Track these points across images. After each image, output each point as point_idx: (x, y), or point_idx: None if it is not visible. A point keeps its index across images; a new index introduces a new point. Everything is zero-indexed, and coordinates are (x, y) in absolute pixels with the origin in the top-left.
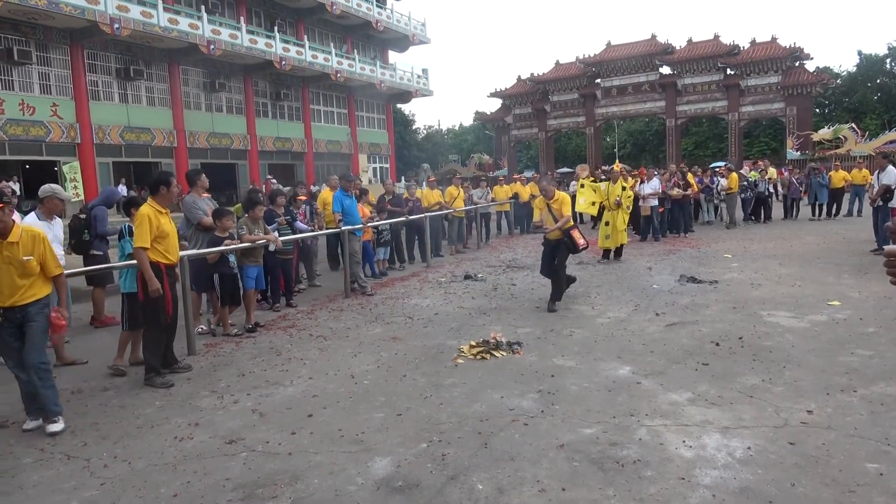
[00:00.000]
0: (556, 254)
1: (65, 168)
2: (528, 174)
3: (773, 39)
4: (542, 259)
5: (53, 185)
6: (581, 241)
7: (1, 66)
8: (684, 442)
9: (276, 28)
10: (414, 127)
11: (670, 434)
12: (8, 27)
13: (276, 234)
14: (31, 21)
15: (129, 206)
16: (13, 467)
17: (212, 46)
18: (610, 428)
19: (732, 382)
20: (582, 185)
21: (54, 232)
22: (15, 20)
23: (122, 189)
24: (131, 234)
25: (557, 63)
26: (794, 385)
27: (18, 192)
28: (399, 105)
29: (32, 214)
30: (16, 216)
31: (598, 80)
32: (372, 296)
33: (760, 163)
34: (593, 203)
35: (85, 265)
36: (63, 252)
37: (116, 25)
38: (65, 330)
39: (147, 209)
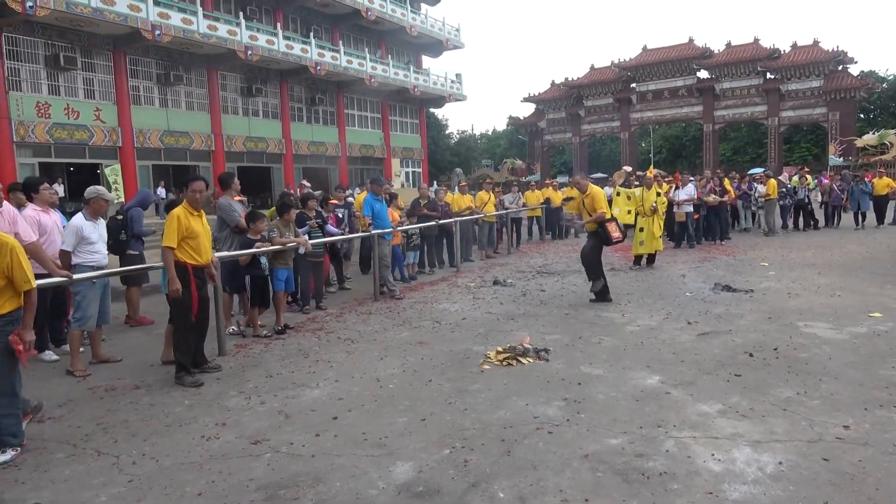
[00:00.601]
0: (592, 241)
1: (106, 171)
2: (560, 179)
3: (816, 43)
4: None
5: (98, 187)
6: (616, 234)
7: (48, 71)
8: (713, 455)
9: (311, 34)
10: (447, 131)
11: (699, 446)
12: (55, 34)
13: (307, 237)
14: (76, 28)
15: (170, 209)
16: (46, 461)
17: (249, 52)
18: (636, 438)
19: (765, 395)
20: (618, 194)
21: (99, 231)
22: (62, 27)
23: (161, 192)
24: None
25: (592, 67)
26: (830, 399)
27: (62, 194)
28: (432, 109)
29: (80, 215)
30: (57, 215)
31: (634, 85)
32: (400, 300)
33: (807, 169)
34: (629, 211)
35: (121, 265)
36: (105, 251)
37: (158, 32)
38: (23, 356)
39: (178, 210)
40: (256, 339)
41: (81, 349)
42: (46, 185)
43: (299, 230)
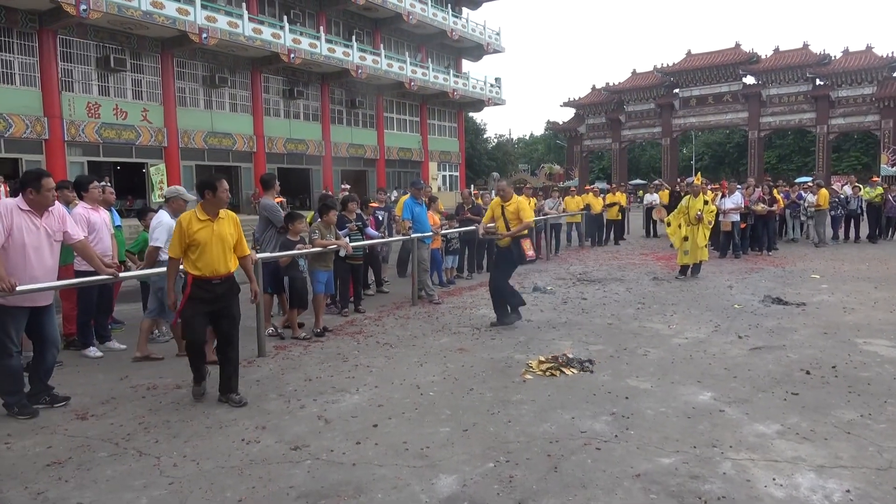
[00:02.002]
0: (499, 263)
1: (152, 170)
2: (600, 185)
3: (869, 48)
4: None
5: (178, 187)
6: (530, 253)
7: (99, 72)
8: (774, 480)
9: (353, 37)
10: (485, 136)
11: (758, 470)
12: (106, 36)
13: (347, 239)
14: (127, 31)
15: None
16: (89, 460)
17: (292, 55)
18: (690, 459)
19: (826, 416)
20: (668, 223)
21: None
22: (113, 30)
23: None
24: None
25: (634, 72)
26: None
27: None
28: (471, 113)
29: (164, 212)
30: (107, 213)
31: (677, 90)
32: (439, 304)
33: (875, 179)
34: (679, 226)
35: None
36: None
37: (204, 35)
38: None
39: (185, 215)
40: (295, 341)
41: (124, 346)
42: (98, 183)
43: (339, 232)
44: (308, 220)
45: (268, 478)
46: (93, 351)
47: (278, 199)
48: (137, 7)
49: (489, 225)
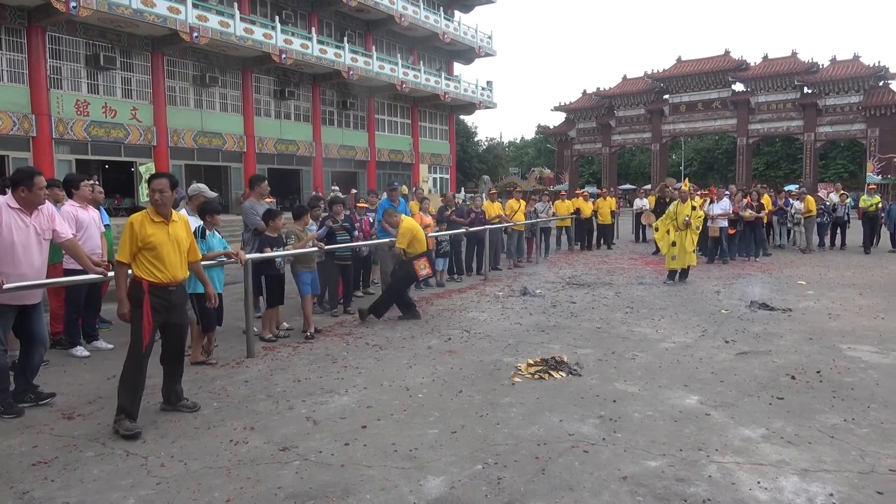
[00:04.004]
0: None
1: (141, 168)
2: (590, 190)
3: (856, 57)
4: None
5: (200, 185)
6: (423, 272)
7: (88, 70)
8: (759, 483)
9: (345, 39)
10: (476, 139)
11: (743, 473)
12: (96, 34)
13: (319, 230)
14: (117, 28)
15: (202, 212)
16: (76, 460)
17: (284, 55)
18: (676, 462)
19: (811, 420)
20: (657, 229)
21: (197, 225)
22: (103, 27)
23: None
24: (203, 235)
25: (624, 78)
26: (880, 427)
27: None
28: (462, 116)
29: (184, 210)
30: (95, 212)
31: (667, 96)
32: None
33: (872, 186)
34: (667, 231)
35: None
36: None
37: (195, 34)
38: None
39: (136, 216)
40: (285, 342)
41: (111, 345)
42: (89, 182)
43: (311, 230)
44: None
45: (256, 478)
46: (80, 350)
47: (268, 200)
48: (128, 5)
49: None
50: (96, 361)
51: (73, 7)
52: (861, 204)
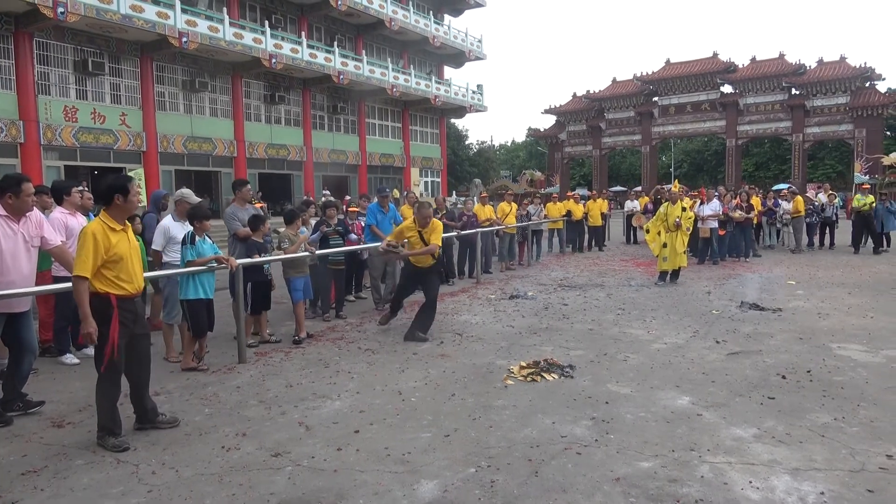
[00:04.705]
0: (425, 282)
1: (130, 174)
2: (581, 192)
3: (842, 59)
4: (401, 289)
5: (184, 190)
6: None
7: (77, 76)
8: (751, 482)
9: (335, 43)
10: (467, 142)
11: (735, 473)
12: (85, 40)
13: (313, 235)
14: (105, 34)
15: (192, 217)
16: (66, 468)
17: (273, 60)
18: (669, 462)
19: (801, 419)
20: (647, 230)
21: (186, 231)
22: (91, 33)
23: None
24: (193, 241)
25: (614, 80)
26: (870, 426)
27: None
28: (453, 120)
29: (169, 216)
30: (84, 219)
31: (656, 98)
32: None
33: (866, 186)
34: (658, 233)
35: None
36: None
37: (185, 39)
38: None
39: (94, 226)
40: (276, 346)
41: None
42: (79, 188)
43: (303, 232)
44: None
45: (248, 485)
46: (69, 358)
47: (259, 205)
48: (116, 10)
49: (392, 242)
50: (86, 369)
51: (61, 13)
52: (855, 203)
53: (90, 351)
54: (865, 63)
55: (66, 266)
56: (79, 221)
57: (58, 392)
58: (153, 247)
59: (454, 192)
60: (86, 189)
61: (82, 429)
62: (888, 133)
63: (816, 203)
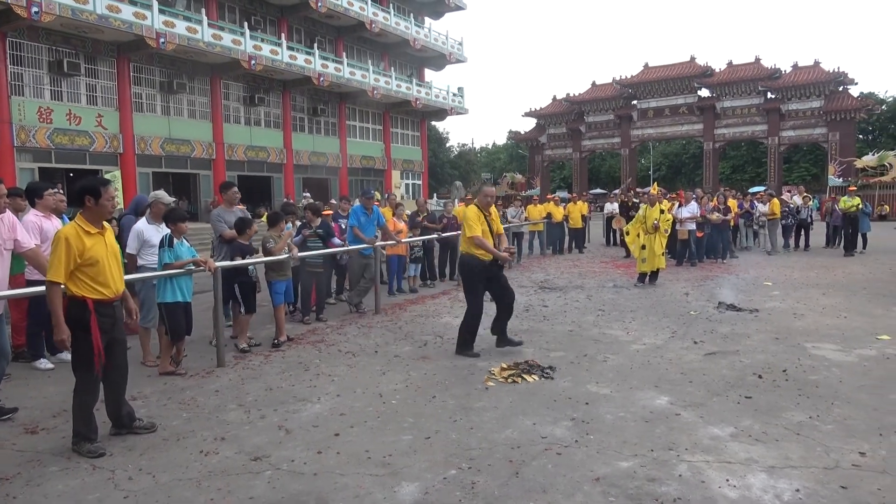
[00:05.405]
0: (502, 279)
1: (106, 177)
2: (561, 194)
3: (816, 63)
4: (479, 299)
5: (158, 192)
6: None
7: (51, 77)
8: (728, 481)
9: (315, 45)
10: (447, 144)
11: (712, 471)
12: (60, 40)
13: (295, 238)
14: (81, 34)
15: (168, 220)
16: (39, 475)
17: (253, 62)
18: (648, 462)
19: (777, 418)
20: (627, 232)
21: (161, 233)
22: (67, 33)
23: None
24: (171, 243)
25: (594, 84)
26: (844, 424)
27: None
28: (433, 122)
29: (143, 219)
30: (59, 221)
31: (635, 102)
32: (363, 314)
33: (853, 189)
34: (638, 235)
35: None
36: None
37: (162, 40)
38: None
39: (68, 229)
40: (256, 350)
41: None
42: (52, 190)
43: (289, 227)
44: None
45: (227, 489)
46: (43, 363)
47: (240, 207)
48: (92, 10)
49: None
50: (61, 374)
51: (35, 13)
52: (841, 205)
53: (65, 356)
54: (839, 68)
55: (40, 270)
56: (53, 224)
57: (31, 398)
58: (127, 250)
59: (435, 194)
60: (60, 191)
61: (57, 434)
62: (860, 136)
63: (792, 205)
